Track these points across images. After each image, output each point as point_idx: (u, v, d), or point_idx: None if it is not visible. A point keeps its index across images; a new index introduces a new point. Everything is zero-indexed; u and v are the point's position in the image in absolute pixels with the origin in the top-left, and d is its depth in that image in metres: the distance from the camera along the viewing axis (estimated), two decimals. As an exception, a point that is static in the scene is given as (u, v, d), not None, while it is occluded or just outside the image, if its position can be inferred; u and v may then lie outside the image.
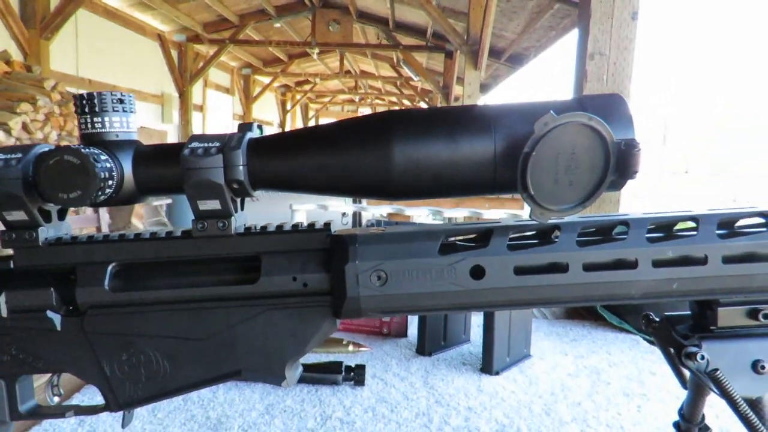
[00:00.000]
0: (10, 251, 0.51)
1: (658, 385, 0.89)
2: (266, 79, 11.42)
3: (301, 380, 0.83)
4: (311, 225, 0.51)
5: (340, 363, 0.85)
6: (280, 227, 0.51)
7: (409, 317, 1.10)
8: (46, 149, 0.50)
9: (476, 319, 1.14)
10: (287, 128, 14.71)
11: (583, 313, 1.29)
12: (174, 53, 7.83)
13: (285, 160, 0.47)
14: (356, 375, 0.84)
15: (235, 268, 0.51)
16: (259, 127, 0.51)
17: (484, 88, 7.69)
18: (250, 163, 0.46)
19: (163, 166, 0.48)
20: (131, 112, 0.49)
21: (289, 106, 14.32)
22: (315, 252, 0.50)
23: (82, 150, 0.44)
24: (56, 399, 0.54)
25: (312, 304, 0.50)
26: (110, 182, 0.46)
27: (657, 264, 0.46)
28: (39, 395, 0.55)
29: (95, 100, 0.47)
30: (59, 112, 4.71)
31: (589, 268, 0.46)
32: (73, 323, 0.50)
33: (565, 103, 0.46)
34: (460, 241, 0.50)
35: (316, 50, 8.29)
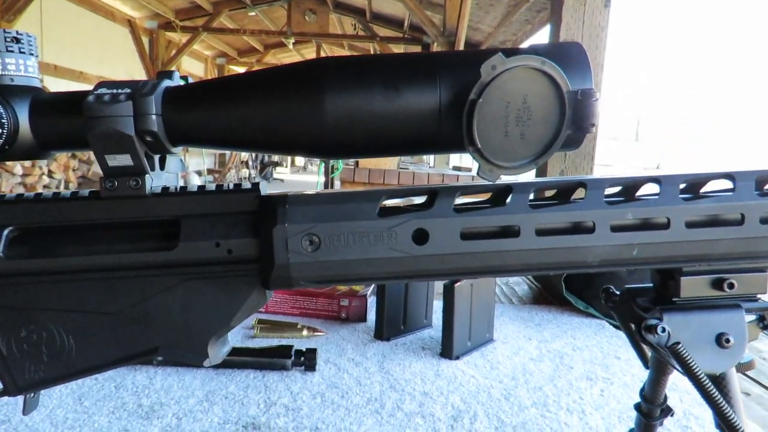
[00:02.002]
0: None
1: (622, 369, 0.86)
2: (241, 69, 11.24)
3: (248, 365, 0.78)
4: (237, 185, 0.45)
5: (290, 347, 0.80)
6: (202, 188, 0.45)
7: (370, 301, 1.05)
8: None
9: (438, 304, 1.10)
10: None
11: (550, 298, 1.26)
12: (145, 40, 7.63)
13: (206, 110, 0.41)
14: (307, 360, 0.79)
15: (150, 233, 0.45)
16: (184, 77, 0.45)
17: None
18: (165, 113, 0.41)
19: (66, 116, 0.42)
20: (31, 54, 0.43)
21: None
22: (242, 215, 0.44)
23: None
24: (-49, 383, 0.48)
25: (237, 272, 0.44)
26: (1, 131, 0.40)
27: (616, 228, 0.42)
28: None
29: None
30: (21, 98, 4.53)
31: (542, 232, 0.42)
32: None
33: (517, 49, 0.41)
34: (402, 204, 0.45)
35: (292, 40, 8.16)
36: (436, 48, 6.66)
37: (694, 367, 0.43)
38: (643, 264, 0.44)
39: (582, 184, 0.44)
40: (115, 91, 0.40)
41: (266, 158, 10.50)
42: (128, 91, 0.40)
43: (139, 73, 7.52)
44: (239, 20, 8.52)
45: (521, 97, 0.39)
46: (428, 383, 0.77)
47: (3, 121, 0.40)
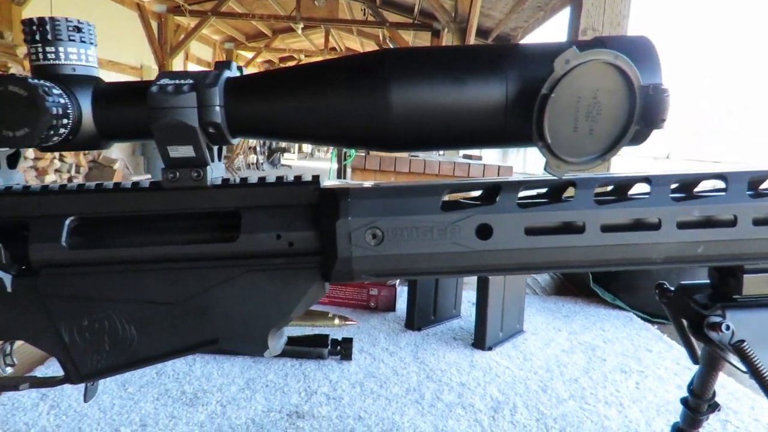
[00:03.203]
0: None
1: (655, 362, 0.86)
2: (249, 54, 11.19)
3: (285, 354, 0.78)
4: (298, 178, 0.45)
5: (326, 336, 0.80)
6: (262, 179, 0.45)
7: (398, 290, 1.05)
8: None
9: (466, 295, 1.10)
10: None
11: (575, 289, 1.26)
12: (154, 24, 7.59)
13: (268, 101, 0.41)
14: (343, 349, 0.80)
15: (210, 224, 0.46)
16: (240, 68, 0.45)
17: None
18: (228, 104, 0.41)
19: (128, 106, 0.42)
20: (91, 43, 0.43)
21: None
22: (302, 208, 0.44)
23: (30, 80, 0.38)
24: (9, 369, 0.49)
25: (298, 265, 0.44)
26: (64, 121, 0.40)
27: (682, 225, 0.42)
28: (-9, 365, 0.49)
29: (47, 27, 0.41)
30: (32, 82, 4.53)
31: (607, 228, 0.42)
32: (25, 284, 0.44)
33: (586, 42, 0.41)
34: (463, 198, 0.45)
35: (301, 25, 8.09)
36: (446, 34, 6.59)
37: (759, 366, 0.43)
38: (706, 261, 0.44)
39: (647, 179, 0.43)
40: (178, 81, 0.40)
41: (274, 144, 10.48)
42: (191, 81, 0.40)
43: (148, 58, 7.50)
44: (248, 4, 8.46)
45: (592, 91, 0.38)
46: (464, 374, 0.78)
47: (69, 111, 0.40)
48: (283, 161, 11.60)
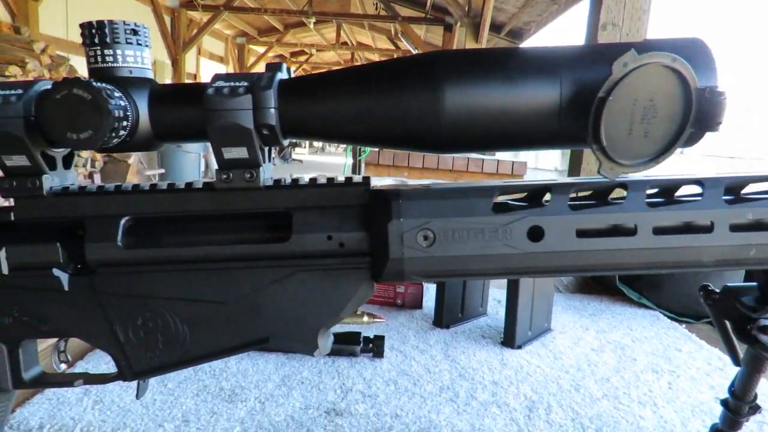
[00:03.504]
0: (10, 202, 0.46)
1: (685, 362, 0.86)
2: (261, 49, 11.20)
3: (317, 351, 0.79)
4: (348, 179, 0.46)
5: (358, 333, 0.81)
6: (313, 180, 0.46)
7: (425, 287, 1.06)
8: (49, 85, 0.44)
9: (493, 293, 1.10)
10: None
11: (599, 287, 1.25)
12: (167, 19, 7.62)
13: (320, 103, 0.41)
14: (375, 346, 0.80)
15: (262, 224, 0.46)
16: (288, 69, 0.45)
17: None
18: (281, 106, 0.41)
19: (184, 108, 0.43)
20: (146, 46, 0.44)
21: (283, 78, 14.05)
22: (352, 208, 0.45)
23: (94, 84, 0.38)
24: (63, 366, 0.50)
25: (349, 265, 0.45)
26: (124, 123, 0.40)
27: (735, 228, 0.42)
28: (43, 360, 0.50)
29: (106, 30, 0.41)
30: (48, 77, 4.57)
31: (659, 231, 0.42)
32: (82, 283, 0.45)
33: (638, 44, 0.41)
34: (512, 200, 0.45)
35: (313, 20, 8.09)
36: (459, 29, 6.55)
37: (812, 369, 0.43)
38: (757, 264, 0.44)
39: (699, 182, 0.43)
40: (233, 84, 0.41)
41: (285, 139, 10.46)
42: (246, 84, 0.40)
43: (161, 53, 7.53)
44: (260, -1, 8.47)
45: (649, 94, 0.38)
46: (496, 372, 0.78)
47: (128, 113, 0.41)
48: (294, 155, 11.63)
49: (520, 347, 0.87)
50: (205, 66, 9.16)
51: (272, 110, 0.41)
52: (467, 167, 3.92)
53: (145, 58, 0.44)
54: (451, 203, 0.42)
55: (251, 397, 0.67)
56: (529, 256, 0.42)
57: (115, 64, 0.42)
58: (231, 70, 10.54)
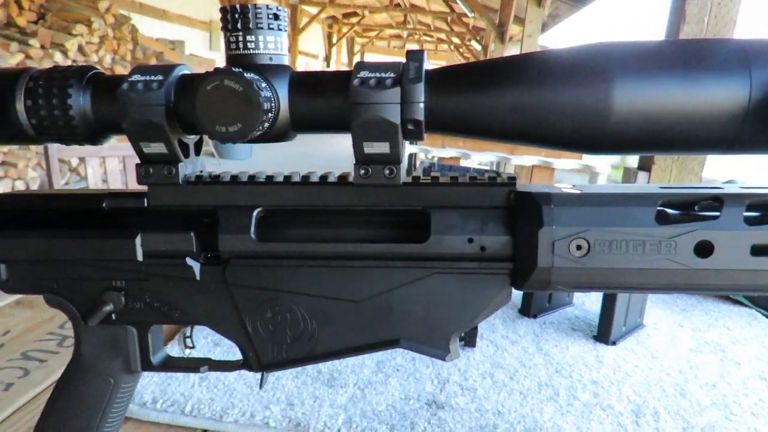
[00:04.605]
0: (143, 188, 0.45)
1: (795, 369, 0.81)
2: (314, 10, 11.08)
3: (408, 337, 0.78)
4: (492, 178, 0.43)
5: (450, 321, 0.79)
6: (454, 178, 0.43)
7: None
8: (187, 71, 0.43)
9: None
10: (332, 63, 14.39)
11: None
12: (222, -21, 7.60)
13: (472, 96, 0.38)
14: (467, 336, 0.79)
15: (396, 222, 0.44)
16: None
17: (543, 27, 7.25)
18: (430, 99, 0.38)
19: (326, 98, 0.40)
20: (284, 30, 0.41)
21: (335, 40, 13.96)
22: (495, 210, 0.42)
23: (245, 74, 0.36)
24: (188, 351, 0.50)
25: (488, 270, 0.43)
26: (270, 114, 0.38)
27: None
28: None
29: (249, 15, 0.39)
30: (113, 35, 4.67)
31: None
32: (213, 273, 0.45)
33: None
34: (674, 208, 0.41)
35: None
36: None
37: None
38: None
39: None
40: (379, 75, 0.38)
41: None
42: (393, 75, 0.38)
43: (217, 12, 7.54)
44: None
45: None
46: (593, 370, 0.75)
47: (272, 105, 0.39)
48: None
49: (614, 343, 0.84)
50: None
51: (421, 104, 0.38)
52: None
53: (283, 44, 0.41)
54: (609, 211, 0.39)
55: (350, 383, 0.67)
56: (694, 272, 0.39)
57: (256, 51, 0.40)
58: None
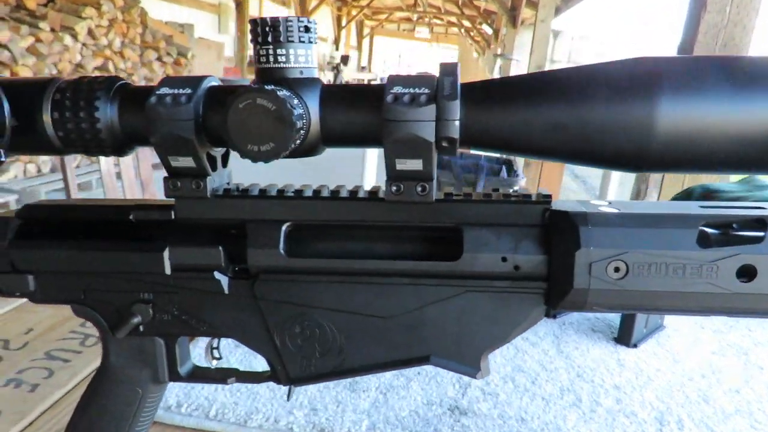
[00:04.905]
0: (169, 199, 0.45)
1: (819, 374, 0.80)
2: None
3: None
4: (527, 195, 0.42)
5: (470, 323, 0.79)
6: (487, 195, 0.42)
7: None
8: (215, 83, 0.42)
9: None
10: (341, 45, 14.25)
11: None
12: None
13: (510, 113, 0.37)
14: (488, 338, 0.78)
15: (427, 238, 0.43)
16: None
17: (556, 11, 7.13)
18: (465, 115, 0.37)
19: (358, 113, 0.39)
20: (314, 42, 0.40)
21: (344, 23, 13.82)
22: (529, 228, 0.41)
23: (278, 93, 0.35)
24: (215, 362, 0.50)
25: (522, 290, 0.42)
26: (302, 132, 0.38)
27: None
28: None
29: (280, 28, 0.38)
30: (122, 18, 4.64)
31: None
32: (242, 287, 0.45)
33: None
34: (714, 227, 0.40)
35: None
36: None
37: None
38: None
39: None
40: (413, 90, 0.37)
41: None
42: (427, 91, 0.37)
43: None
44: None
45: None
46: (615, 374, 0.75)
47: (304, 121, 0.38)
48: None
49: (635, 346, 0.83)
50: (268, 8, 9.08)
51: (456, 122, 0.37)
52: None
53: (313, 56, 0.40)
54: (648, 233, 0.38)
55: (372, 387, 0.67)
56: (736, 297, 0.38)
57: (286, 65, 0.39)
58: (292, 13, 10.37)
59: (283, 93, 0.36)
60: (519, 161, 2.96)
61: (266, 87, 0.36)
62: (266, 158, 0.37)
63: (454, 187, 2.83)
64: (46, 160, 4.29)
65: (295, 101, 0.37)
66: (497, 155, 2.73)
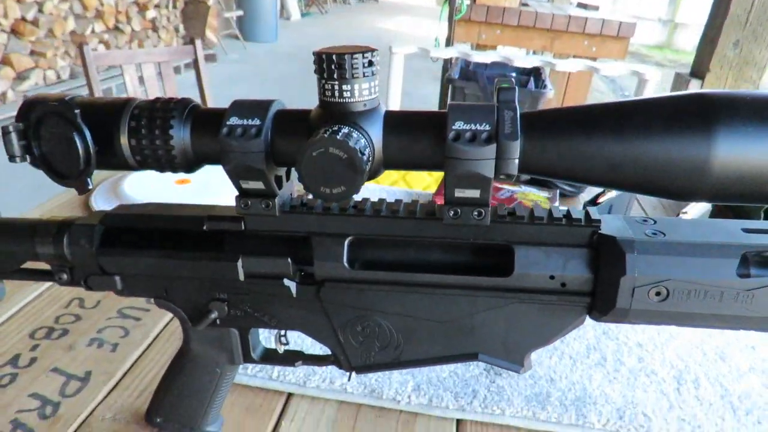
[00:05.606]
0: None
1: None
2: None
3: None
4: (577, 219, 0.44)
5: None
6: (539, 219, 0.45)
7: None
8: (281, 107, 0.44)
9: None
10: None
11: (731, 215, 1.20)
12: None
13: (561, 146, 0.39)
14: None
15: (480, 253, 0.47)
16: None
17: None
18: (524, 153, 0.39)
19: (419, 143, 0.41)
20: (377, 74, 0.41)
21: None
22: (577, 248, 0.44)
23: (349, 143, 0.37)
24: (283, 348, 0.56)
25: (567, 303, 0.46)
26: (368, 168, 0.40)
27: None
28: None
29: (346, 66, 0.39)
30: None
31: None
32: (308, 291, 0.49)
33: None
34: (754, 254, 0.42)
35: None
36: None
37: None
38: None
39: None
40: (474, 127, 0.39)
41: None
42: (488, 128, 0.38)
43: None
44: None
45: None
46: (638, 331, 0.80)
47: (369, 157, 0.40)
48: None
49: (659, 300, 0.88)
50: None
51: (516, 161, 0.39)
52: (567, 26, 3.60)
53: (376, 87, 0.42)
54: (691, 262, 0.41)
55: (414, 347, 0.73)
56: (765, 320, 0.41)
57: (351, 100, 0.40)
58: None
59: (354, 144, 0.38)
60: (546, 71, 2.86)
61: (338, 138, 0.37)
62: (338, 199, 0.39)
63: (481, 98, 2.76)
64: (64, 66, 4.24)
65: (363, 141, 0.39)
66: (524, 66, 2.63)
